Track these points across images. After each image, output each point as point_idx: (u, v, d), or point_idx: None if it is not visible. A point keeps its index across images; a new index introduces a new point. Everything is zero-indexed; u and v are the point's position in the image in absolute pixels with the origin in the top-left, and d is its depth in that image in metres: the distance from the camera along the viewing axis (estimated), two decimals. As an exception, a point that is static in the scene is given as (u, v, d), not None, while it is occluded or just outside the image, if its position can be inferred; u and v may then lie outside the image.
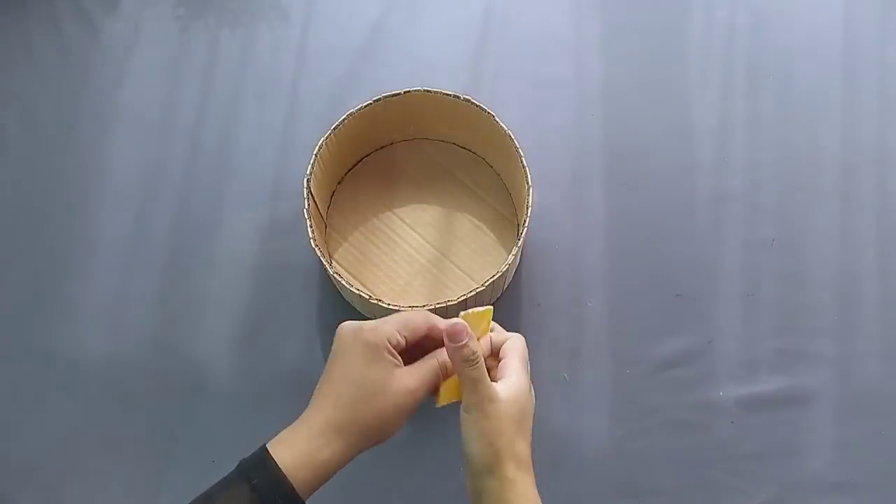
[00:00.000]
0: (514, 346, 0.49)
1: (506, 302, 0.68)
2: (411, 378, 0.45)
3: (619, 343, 0.67)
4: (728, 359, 0.67)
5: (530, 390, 0.47)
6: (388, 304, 0.58)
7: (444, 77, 0.74)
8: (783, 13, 0.76)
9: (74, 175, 0.73)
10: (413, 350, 0.47)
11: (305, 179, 0.61)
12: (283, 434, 0.45)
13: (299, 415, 0.47)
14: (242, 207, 0.71)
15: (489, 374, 0.46)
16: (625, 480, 0.64)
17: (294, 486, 0.43)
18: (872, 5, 0.76)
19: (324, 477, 0.44)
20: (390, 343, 0.45)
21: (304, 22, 0.77)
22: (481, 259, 0.68)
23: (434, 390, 0.47)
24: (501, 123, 0.63)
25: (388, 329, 0.45)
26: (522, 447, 0.46)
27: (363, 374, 0.44)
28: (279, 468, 0.43)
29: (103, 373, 0.67)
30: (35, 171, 0.73)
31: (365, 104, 0.64)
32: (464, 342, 0.45)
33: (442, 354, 0.47)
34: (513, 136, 0.63)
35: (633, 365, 0.67)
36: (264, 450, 0.44)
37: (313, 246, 0.59)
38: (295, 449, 0.44)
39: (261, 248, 0.70)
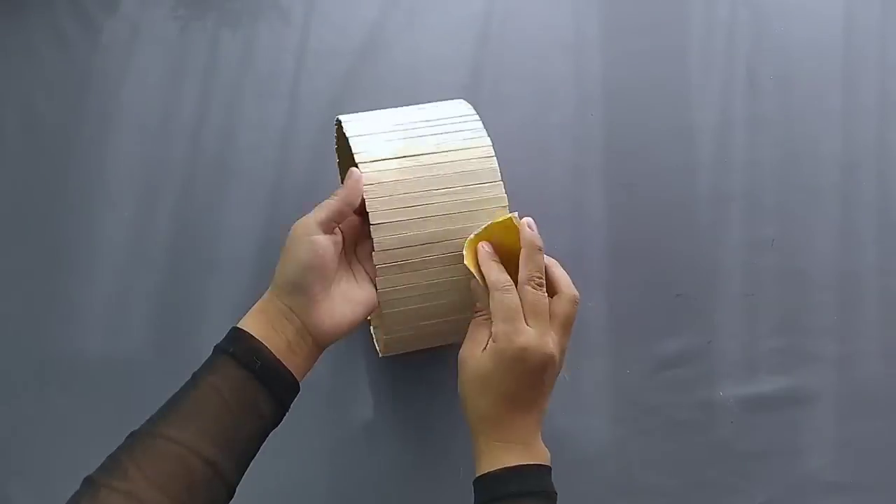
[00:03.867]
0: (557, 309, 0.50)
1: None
2: (308, 216, 0.50)
3: (619, 343, 0.67)
4: (728, 359, 0.67)
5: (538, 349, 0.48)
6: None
7: (444, 77, 0.74)
8: (783, 13, 0.76)
9: (74, 175, 0.73)
10: None
11: None
12: (248, 313, 0.49)
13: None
14: (242, 207, 0.71)
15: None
16: (625, 480, 0.64)
17: (269, 349, 0.46)
18: (872, 5, 0.76)
19: (278, 331, 0.48)
20: (321, 227, 0.49)
21: (304, 22, 0.77)
22: None
23: (337, 222, 0.50)
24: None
25: (316, 216, 0.50)
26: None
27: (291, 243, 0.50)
28: (252, 335, 0.46)
29: (103, 373, 0.67)
30: (35, 171, 0.73)
31: None
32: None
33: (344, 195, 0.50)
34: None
35: (633, 365, 0.67)
36: (234, 328, 0.48)
37: None
38: (253, 316, 0.48)
39: (261, 248, 0.70)
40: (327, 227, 0.50)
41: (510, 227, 0.51)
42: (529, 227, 0.51)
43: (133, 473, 0.40)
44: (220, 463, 0.42)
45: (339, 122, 0.56)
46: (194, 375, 0.46)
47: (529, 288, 0.49)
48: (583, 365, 0.67)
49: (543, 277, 0.50)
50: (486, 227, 0.51)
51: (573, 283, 0.51)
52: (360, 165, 0.51)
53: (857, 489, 0.64)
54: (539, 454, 0.49)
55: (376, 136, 0.53)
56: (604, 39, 0.76)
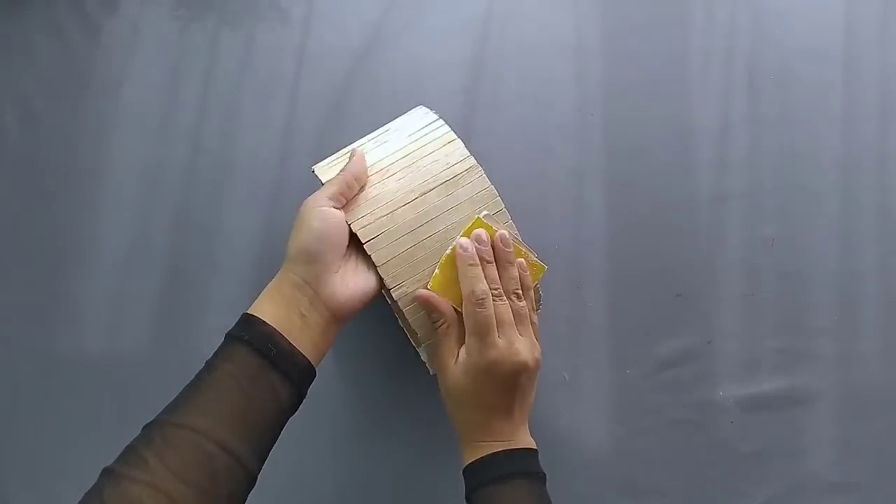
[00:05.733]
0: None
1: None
2: (319, 191, 0.51)
3: (619, 343, 0.67)
4: (728, 359, 0.67)
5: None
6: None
7: (444, 77, 0.74)
8: (783, 13, 0.76)
9: (74, 175, 0.73)
10: None
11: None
12: (259, 296, 0.49)
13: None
14: (242, 207, 0.71)
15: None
16: (625, 480, 0.64)
17: (283, 329, 0.46)
18: (873, 5, 0.76)
19: (291, 305, 0.48)
20: (331, 200, 0.50)
21: (304, 22, 0.77)
22: None
23: (349, 191, 0.51)
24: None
25: (325, 190, 0.51)
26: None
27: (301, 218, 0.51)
28: (264, 321, 0.46)
29: (103, 373, 0.67)
30: (35, 171, 0.73)
31: None
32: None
33: (351, 166, 0.52)
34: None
35: (633, 365, 0.67)
36: (246, 314, 0.48)
37: None
38: (266, 296, 0.49)
39: (261, 248, 0.70)
40: (336, 202, 0.50)
41: (485, 226, 0.52)
42: (503, 241, 0.52)
43: (154, 464, 0.40)
44: (240, 451, 0.42)
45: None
46: (208, 363, 0.46)
47: (503, 299, 0.50)
48: (583, 365, 0.67)
49: (519, 286, 0.52)
50: (473, 222, 0.52)
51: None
52: (359, 235, 0.52)
53: (857, 489, 0.64)
54: (523, 443, 0.50)
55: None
56: (604, 40, 0.76)
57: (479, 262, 0.51)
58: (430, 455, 0.65)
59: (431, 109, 0.59)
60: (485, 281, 0.50)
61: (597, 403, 0.66)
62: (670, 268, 0.69)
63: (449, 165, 0.54)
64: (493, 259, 0.52)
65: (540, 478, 0.50)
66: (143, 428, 0.43)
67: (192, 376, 0.47)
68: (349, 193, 0.51)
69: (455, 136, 0.55)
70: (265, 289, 0.50)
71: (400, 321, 0.63)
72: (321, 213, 0.49)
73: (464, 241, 0.51)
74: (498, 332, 0.50)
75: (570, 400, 0.66)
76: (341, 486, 0.65)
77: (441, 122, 0.57)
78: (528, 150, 0.72)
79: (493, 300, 0.50)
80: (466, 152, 0.54)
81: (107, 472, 0.41)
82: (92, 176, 0.73)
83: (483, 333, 0.49)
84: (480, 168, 0.54)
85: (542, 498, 0.49)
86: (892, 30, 0.75)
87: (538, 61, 0.75)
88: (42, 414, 0.66)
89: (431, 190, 0.53)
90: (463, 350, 0.50)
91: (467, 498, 0.49)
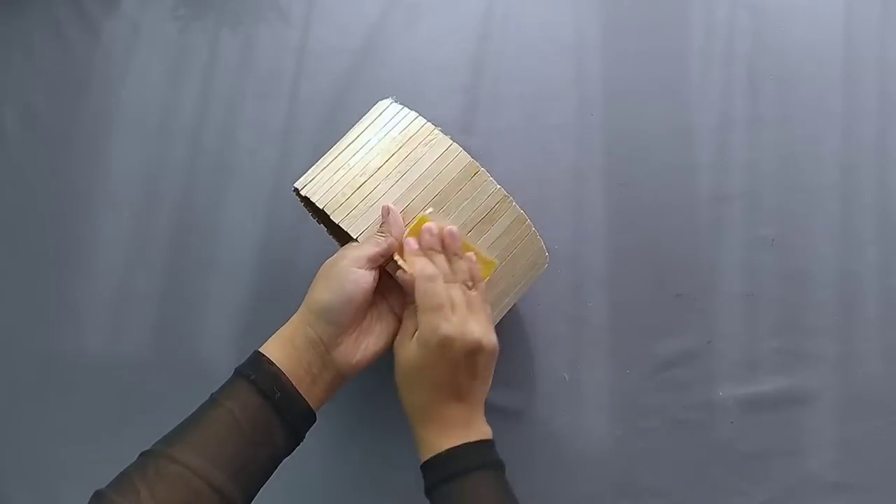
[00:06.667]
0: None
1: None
2: (357, 248, 0.50)
3: (619, 343, 0.67)
4: (728, 359, 0.67)
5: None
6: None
7: (444, 77, 0.74)
8: (783, 13, 0.76)
9: (74, 175, 0.73)
10: None
11: None
12: (272, 337, 0.49)
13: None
14: (242, 207, 0.71)
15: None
16: (625, 480, 0.64)
17: (290, 378, 0.46)
18: (873, 5, 0.76)
19: (302, 361, 0.48)
20: (370, 262, 0.49)
21: (304, 22, 0.77)
22: None
23: (384, 259, 0.50)
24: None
25: (367, 250, 0.49)
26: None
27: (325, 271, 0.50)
28: (272, 362, 0.47)
29: (103, 373, 0.67)
30: (35, 171, 0.73)
31: None
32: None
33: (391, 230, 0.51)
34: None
35: (633, 365, 0.67)
36: (257, 353, 0.48)
37: None
38: (278, 342, 0.49)
39: (261, 248, 0.70)
40: (374, 263, 0.50)
41: (427, 221, 0.53)
42: (450, 236, 0.52)
43: (144, 496, 0.41)
44: (229, 492, 0.43)
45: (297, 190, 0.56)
46: (213, 397, 0.47)
47: (457, 285, 0.50)
48: (583, 365, 0.67)
49: (468, 277, 0.51)
50: (409, 230, 0.52)
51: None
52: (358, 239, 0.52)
53: (857, 489, 0.64)
54: (478, 432, 0.50)
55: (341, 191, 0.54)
56: (604, 40, 0.76)
57: (427, 252, 0.51)
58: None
59: (394, 98, 0.58)
60: (433, 266, 0.50)
61: (597, 403, 0.66)
62: (670, 268, 0.69)
63: (481, 202, 0.54)
64: (440, 249, 0.51)
65: (500, 467, 0.49)
66: (140, 455, 0.44)
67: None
68: (388, 256, 0.50)
69: (430, 125, 0.55)
70: (279, 331, 0.50)
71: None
72: (356, 277, 0.48)
73: (410, 239, 0.51)
74: (453, 311, 0.49)
75: (570, 400, 0.66)
76: (340, 487, 0.65)
77: (407, 110, 0.56)
78: (528, 150, 0.72)
79: (445, 283, 0.50)
80: (495, 185, 0.54)
81: (98, 496, 0.42)
82: (92, 176, 0.73)
83: (435, 308, 0.48)
84: (503, 189, 0.54)
85: (504, 487, 0.48)
86: (892, 30, 0.75)
87: (538, 61, 0.75)
88: (42, 414, 0.66)
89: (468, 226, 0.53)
90: (417, 329, 0.49)
91: (428, 494, 0.49)
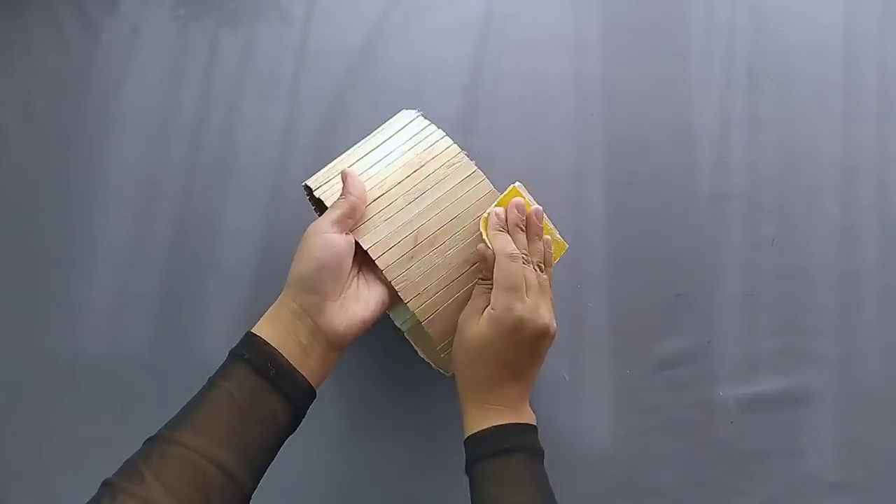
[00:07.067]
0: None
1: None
2: (324, 216, 0.50)
3: (619, 343, 0.67)
4: (728, 359, 0.67)
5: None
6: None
7: (444, 77, 0.74)
8: (783, 13, 0.76)
9: (74, 175, 0.73)
10: None
11: None
12: (261, 318, 0.49)
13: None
14: (242, 207, 0.71)
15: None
16: (625, 480, 0.64)
17: (282, 353, 0.47)
18: (872, 6, 0.76)
19: (291, 334, 0.48)
20: (335, 225, 0.50)
21: (304, 22, 0.77)
22: None
23: (351, 220, 0.50)
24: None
25: (329, 215, 0.50)
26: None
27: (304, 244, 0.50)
28: (266, 341, 0.47)
29: (103, 373, 0.67)
30: (35, 171, 0.73)
31: None
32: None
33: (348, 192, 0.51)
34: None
35: (633, 365, 0.67)
36: (249, 333, 0.48)
37: None
38: (267, 320, 0.49)
39: (261, 248, 0.70)
40: (342, 226, 0.50)
41: (518, 195, 0.53)
42: (537, 215, 0.53)
43: (150, 480, 0.41)
44: (234, 469, 0.43)
45: (308, 188, 0.56)
46: (210, 380, 0.47)
47: (531, 267, 0.51)
48: (583, 365, 0.67)
49: (542, 260, 0.53)
50: (500, 200, 0.53)
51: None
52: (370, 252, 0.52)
53: (857, 489, 0.64)
54: (526, 416, 0.50)
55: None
56: (604, 40, 0.76)
57: (514, 228, 0.51)
58: (429, 454, 0.65)
59: (420, 113, 0.58)
60: (514, 244, 0.51)
61: (597, 403, 0.66)
62: (670, 268, 0.69)
63: (467, 193, 0.54)
64: (525, 227, 0.52)
65: (542, 455, 0.50)
66: (145, 442, 0.44)
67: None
68: (354, 216, 0.51)
69: (456, 146, 0.55)
70: (266, 312, 0.50)
71: (410, 339, 0.63)
72: (324, 241, 0.49)
73: (499, 209, 0.52)
74: (528, 293, 0.50)
75: (570, 400, 0.66)
76: (341, 485, 0.65)
77: (434, 127, 0.56)
78: (528, 150, 0.72)
79: (536, 268, 0.51)
80: (479, 174, 0.54)
81: (106, 485, 0.42)
82: (92, 176, 0.73)
83: (514, 287, 0.49)
84: (489, 182, 0.54)
85: (545, 477, 0.49)
86: (892, 30, 0.75)
87: (538, 61, 0.75)
88: (42, 414, 0.66)
89: (443, 208, 0.53)
90: (490, 304, 0.50)
91: (468, 468, 0.49)
